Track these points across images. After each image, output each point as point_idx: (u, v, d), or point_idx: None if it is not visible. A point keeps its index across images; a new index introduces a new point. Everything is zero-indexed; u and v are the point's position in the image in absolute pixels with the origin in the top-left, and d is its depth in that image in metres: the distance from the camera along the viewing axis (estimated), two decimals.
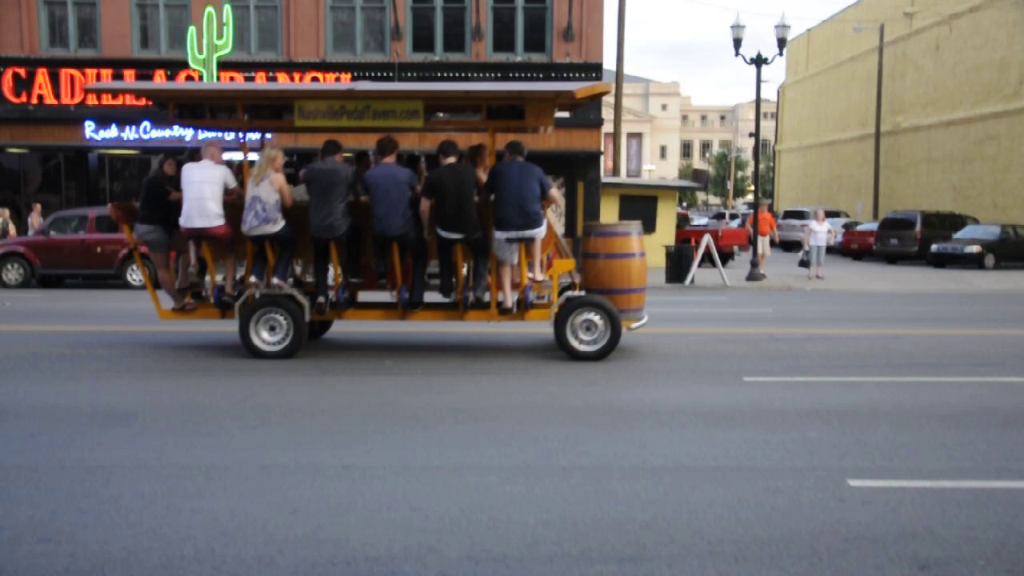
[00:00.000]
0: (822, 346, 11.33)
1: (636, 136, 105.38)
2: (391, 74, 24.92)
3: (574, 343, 10.16)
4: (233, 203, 10.17)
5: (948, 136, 37.25)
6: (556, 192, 10.25)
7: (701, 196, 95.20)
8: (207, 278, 10.96)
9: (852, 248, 33.26)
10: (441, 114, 10.65)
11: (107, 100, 25.15)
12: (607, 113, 30.05)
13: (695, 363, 10.10)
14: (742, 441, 6.65)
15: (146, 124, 25.15)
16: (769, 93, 66.56)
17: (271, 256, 10.16)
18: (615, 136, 29.90)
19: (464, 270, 10.39)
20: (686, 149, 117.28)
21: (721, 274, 21.59)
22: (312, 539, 4.72)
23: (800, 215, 37.11)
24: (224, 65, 24.73)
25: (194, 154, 10.34)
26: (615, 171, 31.45)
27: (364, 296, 11.21)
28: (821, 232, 23.35)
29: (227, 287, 10.35)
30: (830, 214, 38.75)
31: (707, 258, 22.59)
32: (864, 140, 43.23)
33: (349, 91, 10.35)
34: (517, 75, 24.57)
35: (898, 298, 18.78)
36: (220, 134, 19.79)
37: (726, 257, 26.64)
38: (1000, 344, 11.56)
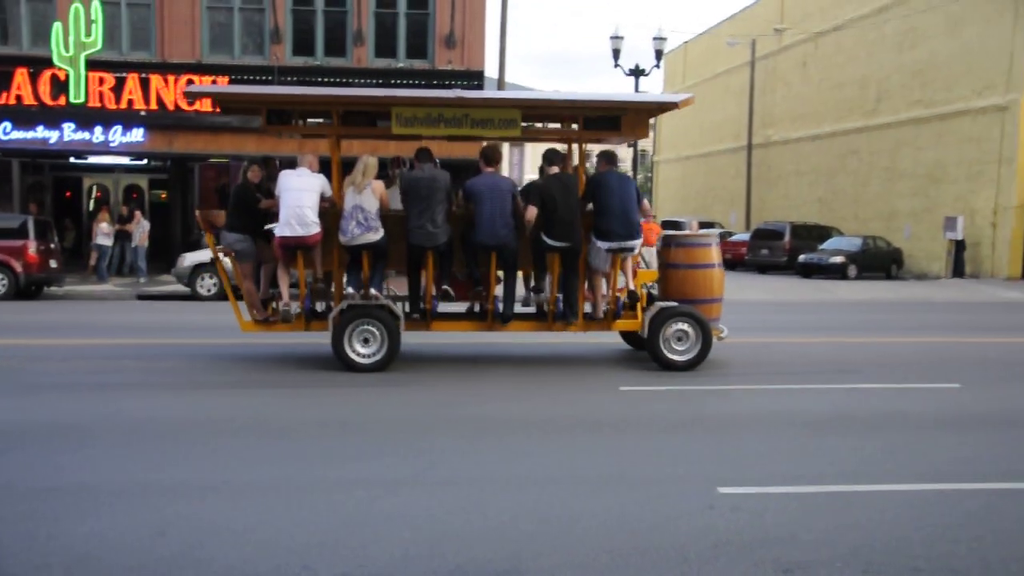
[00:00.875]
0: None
1: (518, 145, 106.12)
2: (270, 78, 24.46)
3: (667, 353, 10.26)
4: (324, 212, 9.95)
5: (815, 150, 38.88)
6: (647, 202, 10.38)
7: None
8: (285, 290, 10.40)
9: (726, 258, 34.28)
10: (538, 124, 10.81)
11: None
12: None
13: (570, 372, 10.22)
14: (618, 450, 6.77)
15: (7, 125, 23.95)
16: None
17: (366, 266, 9.96)
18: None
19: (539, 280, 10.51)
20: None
21: None
22: (178, 561, 4.58)
23: (677, 225, 38.08)
24: (94, 64, 23.82)
25: (267, 162, 10.46)
26: None
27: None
28: None
29: (292, 297, 10.19)
30: (705, 224, 39.88)
31: None
32: (737, 152, 44.69)
33: (457, 98, 10.12)
34: (399, 82, 24.46)
35: (768, 307, 19.47)
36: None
37: None
38: (860, 352, 12.12)
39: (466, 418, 7.84)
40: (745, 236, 34.24)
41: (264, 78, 24.38)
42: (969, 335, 13.77)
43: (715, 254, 10.92)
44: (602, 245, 10.04)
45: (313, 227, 9.73)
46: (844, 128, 36.42)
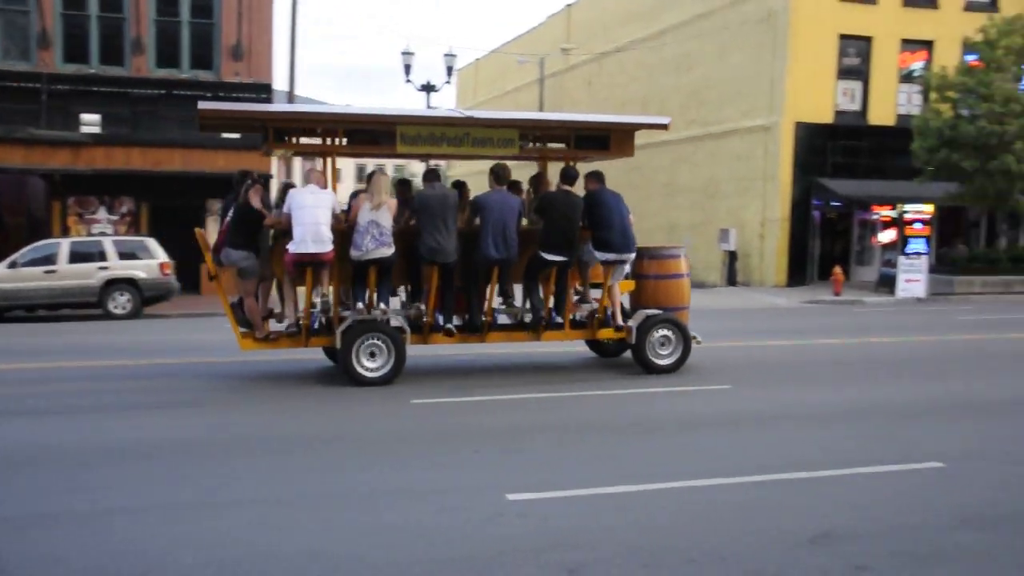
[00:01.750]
0: (490, 366, 11.79)
1: (285, 159, 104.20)
2: (39, 85, 22.87)
3: (652, 358, 10.88)
4: (334, 228, 9.85)
5: (601, 165, 40.39)
6: (632, 217, 10.95)
7: None
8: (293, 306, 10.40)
9: None
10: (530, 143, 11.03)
11: None
12: None
13: (365, 388, 10.12)
14: (407, 463, 6.75)
15: None
16: None
17: (372, 281, 10.04)
18: (286, 159, 29.41)
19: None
20: (361, 173, 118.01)
21: None
22: None
23: None
24: None
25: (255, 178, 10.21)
26: None
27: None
28: None
29: (291, 313, 10.20)
30: None
31: None
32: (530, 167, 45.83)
33: (466, 118, 10.48)
34: (183, 93, 23.50)
35: None
36: None
37: None
38: None
39: (248, 437, 7.59)
40: None
41: (31, 85, 22.78)
42: (744, 338, 14.67)
43: (684, 265, 11.63)
44: (600, 256, 10.64)
45: (328, 244, 9.73)
46: None
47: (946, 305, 22.48)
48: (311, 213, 9.64)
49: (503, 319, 11.34)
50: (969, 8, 29.51)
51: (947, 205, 27.74)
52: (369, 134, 10.55)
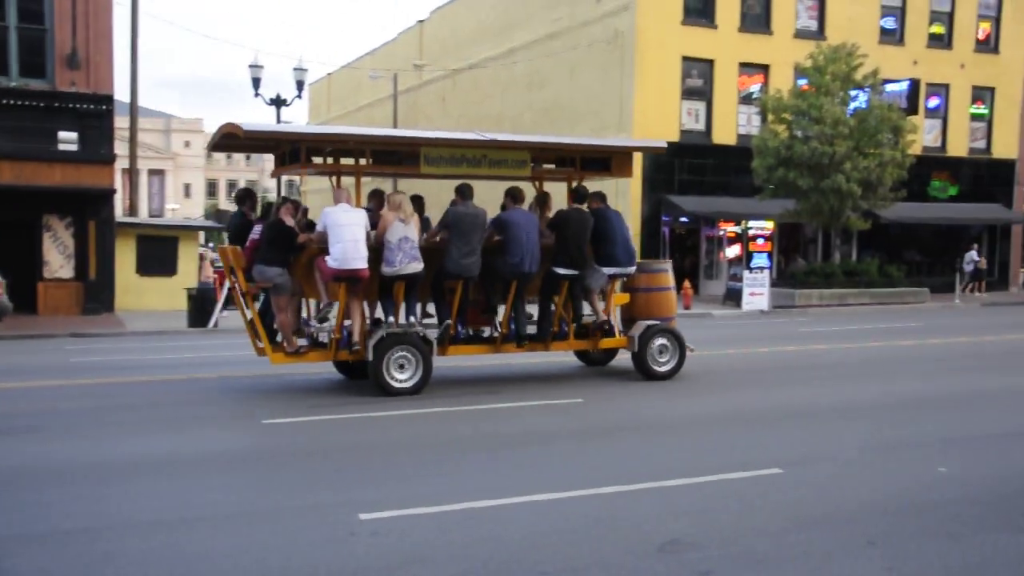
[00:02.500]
0: (341, 383, 11.60)
1: (158, 173, 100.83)
2: None
3: (653, 366, 11.60)
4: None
5: (455, 181, 40.61)
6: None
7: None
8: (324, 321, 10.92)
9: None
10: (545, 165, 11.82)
11: None
12: (121, 148, 28.31)
13: (210, 408, 9.83)
14: (252, 484, 6.59)
15: None
16: None
17: (400, 295, 10.42)
18: (131, 173, 28.29)
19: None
20: (212, 188, 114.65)
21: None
22: None
23: None
24: None
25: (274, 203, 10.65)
26: (132, 210, 29.76)
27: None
28: None
29: (357, 331, 10.38)
30: None
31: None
32: (384, 182, 45.59)
33: (490, 140, 11.15)
34: (13, 102, 22.22)
35: None
36: None
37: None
38: (502, 372, 12.76)
39: (80, 463, 7.23)
40: None
41: None
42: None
43: (671, 278, 12.48)
44: (607, 271, 11.32)
45: (366, 260, 10.04)
46: None
47: (787, 317, 23.61)
48: (349, 231, 9.97)
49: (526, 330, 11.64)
50: (799, 35, 31.21)
51: (786, 221, 29.18)
52: (395, 155, 11.03)
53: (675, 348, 11.75)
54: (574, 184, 11.80)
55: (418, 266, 10.25)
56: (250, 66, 22.63)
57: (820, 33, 31.24)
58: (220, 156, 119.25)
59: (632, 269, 11.61)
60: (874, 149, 26.18)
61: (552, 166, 12.10)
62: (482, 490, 6.41)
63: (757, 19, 31.14)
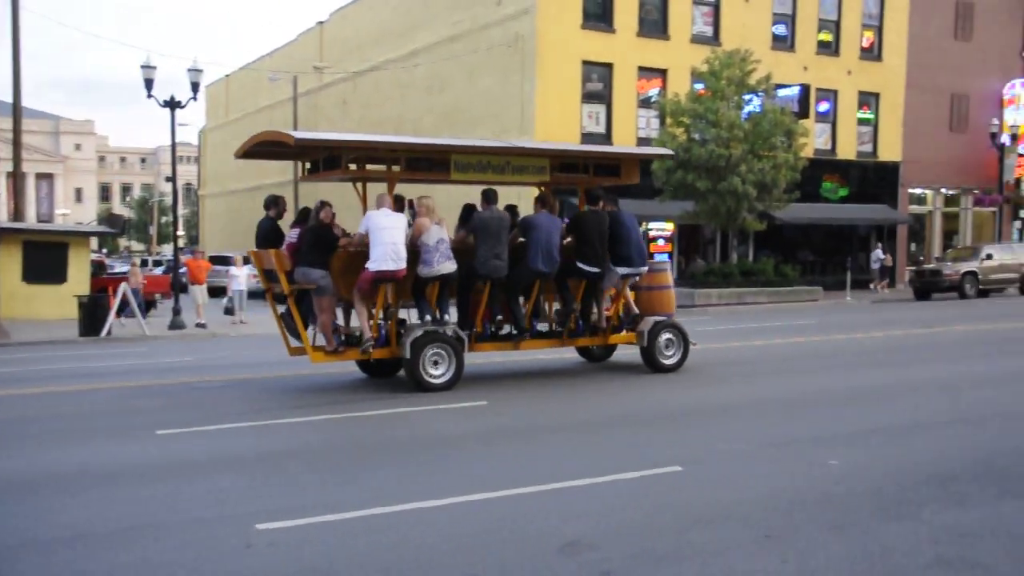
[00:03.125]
0: (240, 392, 11.40)
1: (46, 177, 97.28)
2: None
3: (660, 359, 12.33)
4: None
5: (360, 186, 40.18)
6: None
7: (124, 242, 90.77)
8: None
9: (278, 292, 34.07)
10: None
11: None
12: (5, 151, 27.17)
13: (103, 420, 9.49)
14: (150, 498, 6.37)
15: None
16: (192, 136, 65.99)
17: (433, 295, 10.96)
18: (15, 176, 27.14)
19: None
20: (105, 192, 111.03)
21: (141, 324, 20.69)
22: None
23: (226, 261, 37.15)
24: None
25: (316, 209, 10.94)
26: (18, 215, 28.57)
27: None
28: (242, 277, 23.61)
29: (366, 329, 10.77)
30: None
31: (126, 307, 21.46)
32: (284, 187, 44.81)
33: (519, 148, 12.27)
34: None
35: None
36: None
37: (149, 305, 25.59)
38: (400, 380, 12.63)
39: None
40: None
41: None
42: (507, 355, 14.95)
43: (671, 277, 13.22)
44: (622, 271, 11.92)
45: (404, 262, 10.56)
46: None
47: (689, 316, 24.02)
48: (390, 234, 10.49)
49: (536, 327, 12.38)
50: (696, 41, 31.92)
51: (686, 223, 29.77)
52: (426, 161, 11.46)
53: (680, 342, 12.56)
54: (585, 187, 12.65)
55: (453, 266, 10.83)
56: (142, 67, 21.92)
57: (715, 39, 32.01)
58: (114, 160, 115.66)
59: (644, 269, 12.29)
60: (768, 152, 26.94)
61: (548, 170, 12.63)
62: (383, 496, 6.33)
63: (655, 24, 31.71)
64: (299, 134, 10.76)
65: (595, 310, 12.28)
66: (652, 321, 12.37)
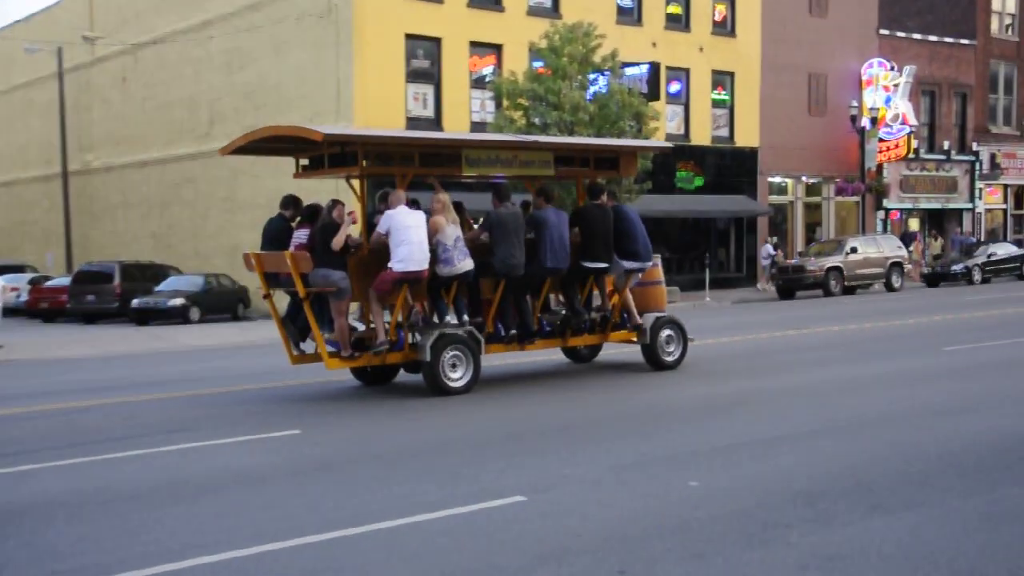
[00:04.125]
0: (39, 426, 10.91)
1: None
2: None
3: (662, 355, 13.58)
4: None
5: (144, 178, 38.74)
6: None
7: None
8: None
9: (42, 308, 32.57)
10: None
11: None
12: None
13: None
14: None
15: None
16: None
17: (449, 295, 12.03)
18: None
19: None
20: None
21: None
22: None
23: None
24: None
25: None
26: None
27: None
28: None
29: (380, 332, 11.76)
30: (12, 268, 37.39)
31: None
32: (51, 181, 42.65)
33: (533, 141, 14.17)
34: None
35: (94, 363, 18.80)
36: None
37: None
38: (195, 406, 12.23)
39: None
40: (66, 280, 32.77)
41: None
42: (307, 376, 14.66)
43: (662, 272, 14.72)
44: (629, 265, 13.18)
45: (427, 262, 11.51)
46: (176, 154, 36.89)
47: None
48: (416, 232, 11.37)
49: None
50: (533, 13, 32.39)
51: None
52: (439, 157, 12.65)
53: (679, 338, 13.78)
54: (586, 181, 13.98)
55: (471, 264, 11.84)
56: None
57: (555, 11, 32.58)
58: None
59: (650, 264, 13.69)
60: (616, 137, 27.60)
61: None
62: (172, 550, 6.04)
63: None
64: (327, 129, 12.13)
65: (599, 302, 13.60)
66: (653, 317, 13.60)
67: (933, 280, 35.99)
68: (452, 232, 11.74)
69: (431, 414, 10.96)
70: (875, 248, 34.00)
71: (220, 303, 31.00)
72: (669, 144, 16.52)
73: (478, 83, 31.85)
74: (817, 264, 32.39)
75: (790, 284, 32.72)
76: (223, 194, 34.85)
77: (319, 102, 30.63)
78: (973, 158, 45.07)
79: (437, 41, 31.08)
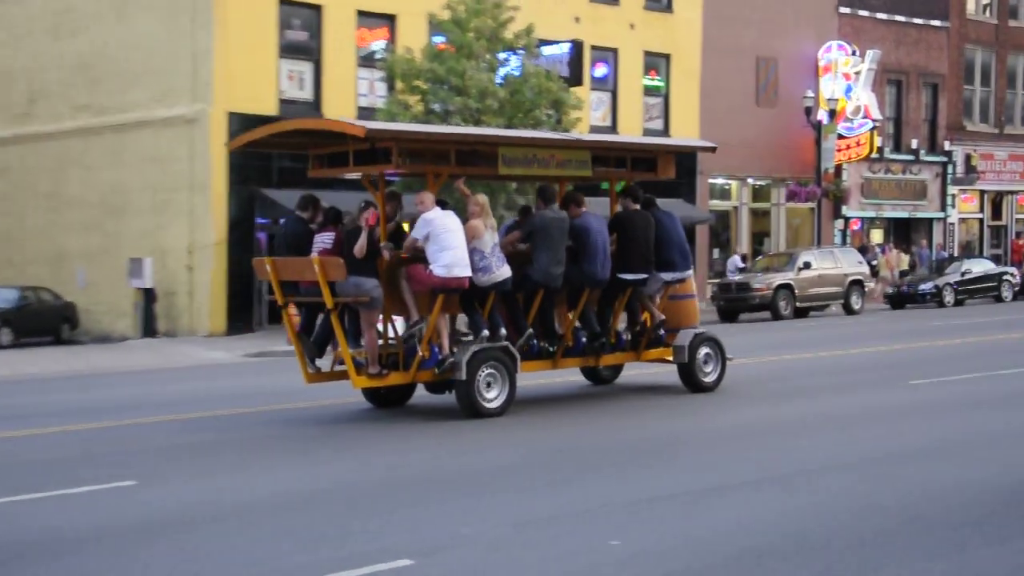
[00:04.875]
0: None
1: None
2: None
3: (700, 377, 14.37)
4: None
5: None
6: None
7: None
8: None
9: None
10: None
11: None
12: None
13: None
14: None
15: None
16: None
17: (485, 307, 12.77)
18: None
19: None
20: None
21: None
22: None
23: None
24: None
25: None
26: None
27: None
28: None
29: (445, 346, 12.56)
30: None
31: None
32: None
33: (576, 139, 15.76)
34: None
35: None
36: None
37: None
38: (24, 449, 11.96)
39: None
40: None
41: None
42: (152, 414, 14.45)
43: (694, 285, 15.62)
44: (666, 276, 14.07)
45: (469, 268, 12.32)
46: None
47: None
48: (458, 237, 12.22)
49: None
50: None
51: None
52: (475, 155, 13.67)
53: (717, 357, 14.59)
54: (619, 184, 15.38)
55: (509, 271, 12.63)
56: None
57: None
58: None
59: (689, 273, 14.82)
60: (533, 128, 27.59)
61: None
62: None
63: None
64: (372, 125, 13.34)
65: (644, 316, 14.37)
66: (691, 334, 14.38)
67: (898, 302, 36.53)
68: (489, 239, 12.57)
69: (295, 464, 10.88)
70: (832, 263, 34.20)
71: (40, 323, 30.56)
72: (712, 144, 18.22)
73: (367, 60, 31.73)
74: (764, 281, 32.46)
75: (733, 305, 32.77)
76: (46, 189, 33.99)
77: (171, 78, 30.26)
78: (945, 159, 46.20)
79: (317, 8, 30.94)
